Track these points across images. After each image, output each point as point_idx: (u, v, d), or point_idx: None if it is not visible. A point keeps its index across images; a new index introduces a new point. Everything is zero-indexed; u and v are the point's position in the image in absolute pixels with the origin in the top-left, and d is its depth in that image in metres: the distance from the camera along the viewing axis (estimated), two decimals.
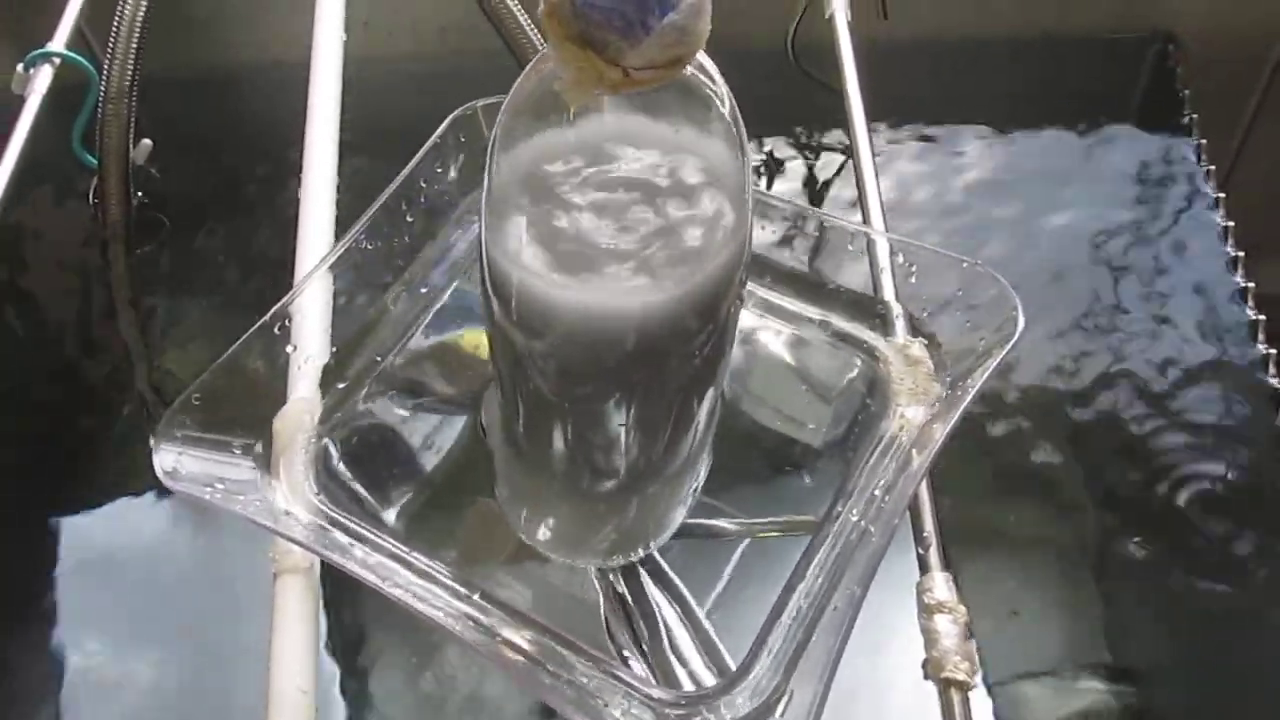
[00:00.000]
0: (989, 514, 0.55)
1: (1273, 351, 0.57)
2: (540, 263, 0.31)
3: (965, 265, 0.42)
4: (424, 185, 0.46)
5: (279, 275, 0.52)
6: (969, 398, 0.39)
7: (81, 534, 0.58)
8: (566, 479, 0.40)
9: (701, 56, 0.29)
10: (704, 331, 0.33)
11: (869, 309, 0.44)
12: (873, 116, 0.55)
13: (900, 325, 0.43)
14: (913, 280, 0.43)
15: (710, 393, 0.37)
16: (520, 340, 0.33)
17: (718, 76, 0.30)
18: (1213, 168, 0.66)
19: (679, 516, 0.43)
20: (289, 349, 0.43)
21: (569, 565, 0.43)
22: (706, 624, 0.42)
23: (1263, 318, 0.59)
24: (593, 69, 0.27)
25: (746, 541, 0.43)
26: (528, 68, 0.30)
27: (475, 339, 0.47)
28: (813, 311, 0.44)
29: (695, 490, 0.43)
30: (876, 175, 0.49)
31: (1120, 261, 0.63)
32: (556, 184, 0.30)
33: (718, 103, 0.30)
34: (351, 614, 0.49)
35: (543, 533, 0.43)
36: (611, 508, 0.41)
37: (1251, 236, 0.63)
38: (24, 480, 0.61)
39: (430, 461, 0.44)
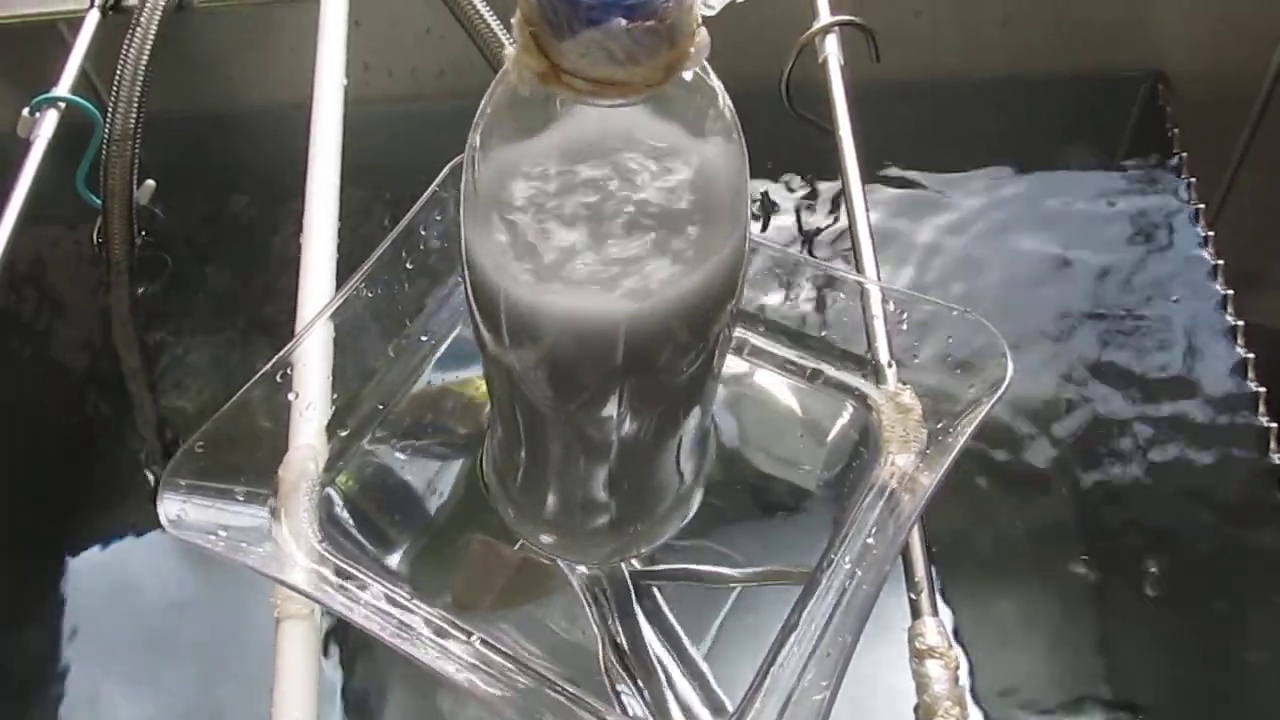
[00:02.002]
0: (985, 553, 0.56)
1: (1263, 390, 0.58)
2: (524, 270, 0.30)
3: (955, 313, 0.43)
4: (423, 233, 0.47)
5: (281, 314, 0.53)
6: (959, 446, 0.40)
7: (82, 574, 0.58)
8: (562, 495, 0.40)
9: (705, 66, 0.29)
10: (694, 345, 0.33)
11: (860, 357, 0.45)
12: (867, 157, 0.56)
13: (891, 373, 0.43)
14: (904, 327, 0.44)
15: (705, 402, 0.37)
16: (506, 349, 0.33)
17: (718, 85, 0.30)
18: (1202, 206, 0.66)
19: (675, 525, 0.43)
20: (291, 396, 0.43)
21: (568, 610, 0.43)
22: (704, 667, 0.43)
23: (1252, 356, 0.60)
24: (527, 48, 0.27)
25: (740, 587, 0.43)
26: (504, 67, 0.29)
27: (477, 384, 0.47)
28: (805, 359, 0.45)
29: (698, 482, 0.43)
30: (869, 220, 0.50)
31: (1110, 299, 0.63)
32: (540, 188, 0.30)
33: (716, 108, 0.30)
34: (354, 659, 0.50)
35: (545, 539, 0.43)
36: (607, 529, 0.42)
37: (1240, 274, 0.64)
38: (26, 518, 0.61)
39: (433, 507, 0.45)
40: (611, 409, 0.34)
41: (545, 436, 0.38)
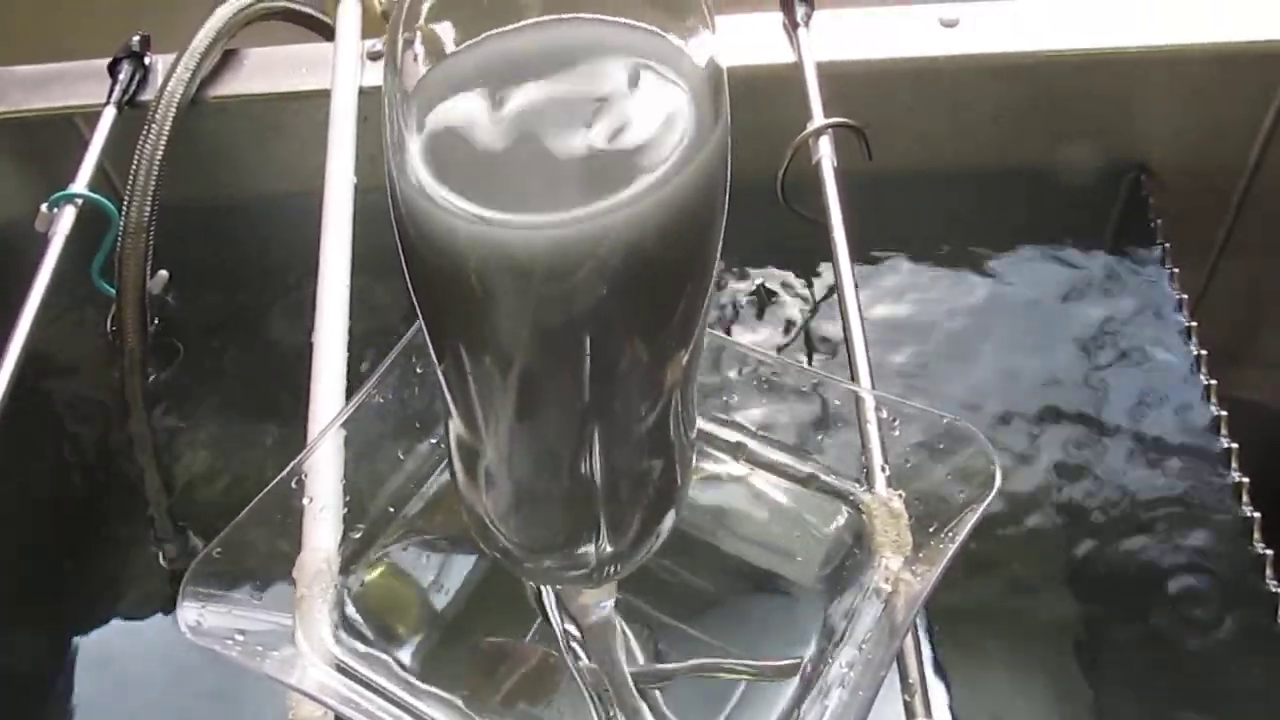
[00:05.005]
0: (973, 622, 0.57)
1: (1245, 480, 0.59)
2: (470, 203, 0.26)
3: (945, 421, 0.44)
4: None
5: (292, 401, 0.54)
6: (951, 553, 0.41)
7: (92, 665, 0.59)
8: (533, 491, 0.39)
9: None
10: (677, 260, 0.28)
11: (853, 463, 0.46)
12: (860, 252, 0.58)
13: (882, 479, 0.45)
14: (896, 433, 0.45)
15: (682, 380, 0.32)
16: (460, 319, 0.29)
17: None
18: (1184, 297, 0.68)
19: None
20: (305, 501, 0.45)
21: (574, 707, 0.44)
22: None
23: (1235, 446, 0.61)
24: None
25: (743, 687, 0.44)
26: None
27: None
28: (800, 463, 0.47)
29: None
30: (863, 325, 0.52)
31: (1093, 388, 0.65)
32: (479, 102, 0.26)
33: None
34: None
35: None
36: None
37: (1222, 363, 0.65)
38: (37, 604, 0.62)
39: (447, 607, 0.46)
40: (586, 389, 0.30)
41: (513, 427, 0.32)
